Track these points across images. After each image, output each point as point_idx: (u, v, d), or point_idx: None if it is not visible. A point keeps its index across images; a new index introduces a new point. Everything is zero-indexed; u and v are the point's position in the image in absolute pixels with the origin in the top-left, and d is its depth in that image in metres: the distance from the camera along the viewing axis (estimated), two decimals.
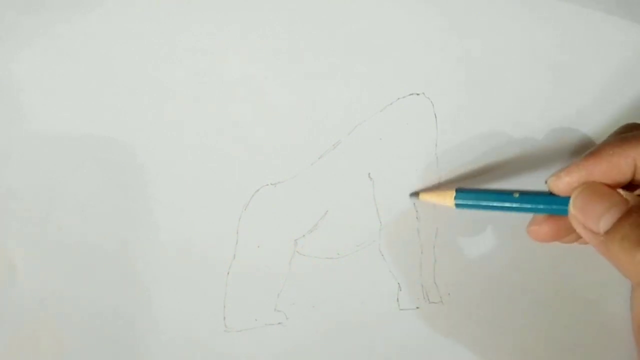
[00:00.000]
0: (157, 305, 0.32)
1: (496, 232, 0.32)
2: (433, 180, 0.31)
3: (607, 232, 0.25)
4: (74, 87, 0.30)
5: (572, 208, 0.26)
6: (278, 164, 0.31)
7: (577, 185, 0.26)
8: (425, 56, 0.30)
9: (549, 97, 0.30)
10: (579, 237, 0.29)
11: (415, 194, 0.31)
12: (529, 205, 0.28)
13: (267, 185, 0.31)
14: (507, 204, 0.28)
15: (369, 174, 0.31)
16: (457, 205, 0.29)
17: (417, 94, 0.30)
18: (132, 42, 0.30)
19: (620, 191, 0.25)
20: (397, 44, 0.30)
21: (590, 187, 0.26)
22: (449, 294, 0.33)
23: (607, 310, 0.33)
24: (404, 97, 0.30)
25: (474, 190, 0.29)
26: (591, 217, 0.25)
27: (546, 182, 0.28)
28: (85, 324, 0.33)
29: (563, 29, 0.30)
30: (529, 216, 0.31)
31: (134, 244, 0.32)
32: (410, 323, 0.33)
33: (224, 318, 0.33)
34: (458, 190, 0.29)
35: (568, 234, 0.28)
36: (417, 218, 0.32)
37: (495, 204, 0.28)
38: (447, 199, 0.29)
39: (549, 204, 0.27)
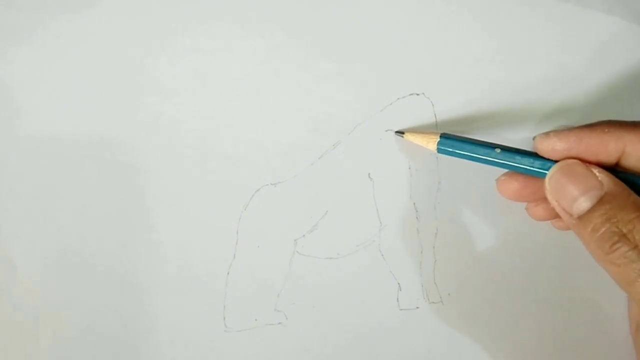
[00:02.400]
0: (157, 305, 0.32)
1: (496, 232, 0.32)
2: (433, 179, 0.31)
3: (580, 218, 0.25)
4: (74, 87, 0.30)
5: (549, 182, 0.26)
6: (278, 164, 0.31)
7: (561, 149, 0.26)
8: (425, 56, 0.30)
9: (549, 97, 0.30)
10: (544, 211, 0.29)
11: (401, 133, 0.30)
12: (509, 161, 0.27)
13: (267, 185, 0.31)
14: (488, 157, 0.28)
15: (369, 174, 0.31)
16: (440, 150, 0.29)
17: (417, 94, 0.30)
18: (131, 41, 0.30)
19: (597, 172, 0.25)
20: (397, 44, 0.30)
21: (567, 166, 0.26)
22: (449, 294, 0.33)
23: (607, 310, 0.33)
24: (404, 97, 0.30)
25: (459, 137, 0.29)
26: (566, 198, 0.25)
27: (534, 138, 0.27)
28: (85, 323, 0.33)
29: (563, 29, 0.30)
30: (529, 219, 0.31)
31: (133, 243, 0.32)
32: (410, 323, 0.33)
33: (224, 318, 0.33)
34: (443, 135, 0.29)
35: (534, 198, 0.28)
36: (417, 218, 0.32)
37: (476, 154, 0.28)
38: (431, 143, 0.29)
39: (529, 163, 0.27)
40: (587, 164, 0.26)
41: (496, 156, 0.28)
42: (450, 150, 0.29)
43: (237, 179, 0.31)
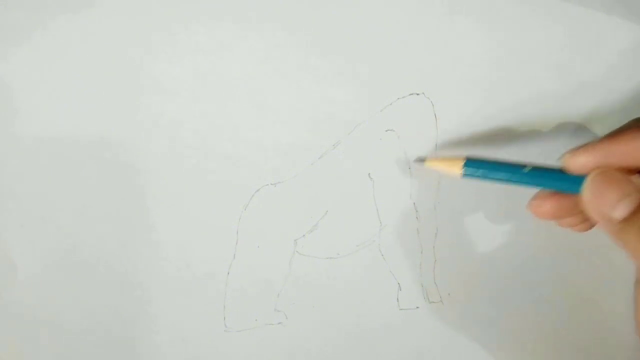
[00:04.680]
0: (157, 305, 0.32)
1: (496, 232, 0.32)
2: (433, 179, 0.31)
3: (624, 221, 0.25)
4: (74, 87, 0.30)
5: (586, 192, 0.26)
6: (278, 164, 0.31)
7: (592, 165, 0.26)
8: (425, 56, 0.30)
9: (550, 97, 0.30)
10: (577, 222, 0.29)
11: (421, 160, 0.30)
12: (538, 181, 0.27)
13: (267, 185, 0.31)
14: (516, 178, 0.27)
15: (369, 174, 0.31)
16: (465, 175, 0.28)
17: (417, 94, 0.30)
18: (131, 41, 0.30)
19: (634, 179, 0.25)
20: (397, 44, 0.30)
21: (606, 173, 0.26)
22: (449, 294, 0.33)
23: (607, 310, 0.33)
24: (404, 97, 0.30)
25: (484, 160, 0.28)
26: (606, 203, 0.25)
27: (561, 159, 0.27)
28: (85, 323, 0.33)
29: (563, 29, 0.30)
30: (529, 219, 0.31)
31: (133, 243, 0.32)
32: (410, 323, 0.33)
33: (224, 318, 0.33)
34: (468, 159, 0.28)
35: (569, 214, 0.28)
36: (417, 218, 0.32)
37: (504, 176, 0.27)
38: (455, 168, 0.28)
39: (560, 181, 0.27)
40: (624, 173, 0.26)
41: (524, 175, 0.27)
42: (476, 174, 0.28)
43: (237, 179, 0.31)
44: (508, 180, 0.28)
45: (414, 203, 0.32)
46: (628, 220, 0.25)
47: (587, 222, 0.29)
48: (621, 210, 0.25)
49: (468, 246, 0.32)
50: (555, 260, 0.32)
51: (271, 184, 0.31)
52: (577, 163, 0.26)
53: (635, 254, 0.25)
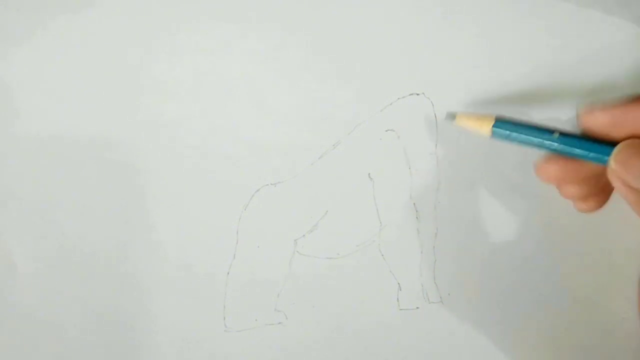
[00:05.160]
0: (157, 305, 0.32)
1: (496, 232, 0.32)
2: (433, 179, 0.31)
3: None
4: (74, 87, 0.30)
5: (612, 161, 0.26)
6: (278, 164, 0.31)
7: (607, 123, 0.26)
8: (425, 56, 0.30)
9: (549, 97, 0.30)
10: (580, 194, 0.28)
11: (452, 116, 0.29)
12: (565, 147, 0.27)
13: (267, 185, 0.31)
14: (544, 142, 0.27)
15: (369, 174, 0.31)
16: (494, 134, 0.28)
17: (417, 94, 0.30)
18: (131, 41, 0.30)
19: None
20: (397, 44, 0.30)
21: (636, 143, 0.25)
22: (449, 294, 0.33)
23: (607, 310, 0.33)
24: (404, 97, 0.30)
25: (514, 121, 0.28)
26: (633, 172, 0.25)
27: (577, 112, 0.27)
28: (84, 323, 0.33)
29: (563, 29, 0.30)
30: (530, 219, 0.31)
31: (133, 243, 0.32)
32: (410, 323, 0.33)
33: (224, 318, 0.33)
34: (498, 119, 0.28)
35: (575, 181, 0.28)
36: (417, 218, 0.32)
37: (532, 139, 0.27)
38: (485, 126, 0.28)
39: (588, 150, 0.26)
40: None
41: (553, 141, 0.27)
42: (505, 134, 0.27)
43: (237, 179, 0.31)
44: (535, 144, 0.27)
45: (414, 203, 0.32)
46: None
47: (589, 200, 0.29)
48: None
49: (468, 246, 0.32)
50: (556, 260, 0.32)
51: (271, 184, 0.31)
52: (592, 120, 0.26)
53: None
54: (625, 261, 0.32)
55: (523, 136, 0.27)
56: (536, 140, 0.27)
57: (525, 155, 0.31)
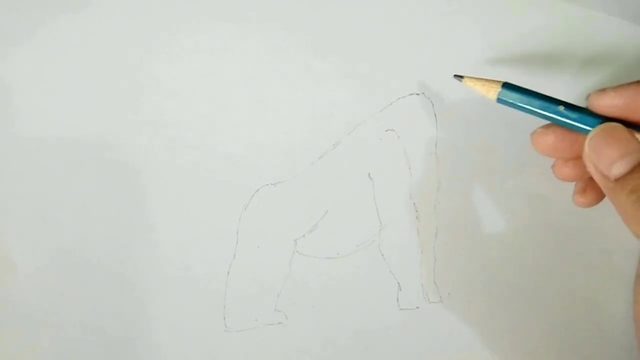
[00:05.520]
0: (157, 305, 0.32)
1: (496, 233, 0.32)
2: (433, 179, 0.31)
3: (618, 180, 0.24)
4: (74, 87, 0.30)
5: (586, 147, 0.25)
6: (278, 164, 0.31)
7: (620, 105, 0.25)
8: (425, 56, 0.30)
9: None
10: (575, 172, 0.28)
11: (460, 77, 0.28)
12: (570, 118, 0.26)
13: (267, 185, 0.31)
14: (549, 112, 0.26)
15: (369, 174, 0.31)
16: (500, 99, 0.27)
17: (417, 94, 0.30)
18: (131, 41, 0.30)
19: (638, 136, 0.24)
20: (397, 44, 0.30)
21: (610, 128, 0.25)
22: (449, 294, 0.33)
23: (607, 310, 0.33)
24: (404, 97, 0.30)
25: (522, 88, 0.27)
26: (604, 160, 0.24)
27: (587, 97, 0.26)
28: (85, 323, 0.33)
29: (564, 30, 0.30)
30: (529, 219, 0.31)
31: (133, 243, 0.32)
32: (410, 323, 0.33)
33: (224, 318, 0.33)
34: (505, 85, 0.27)
35: (570, 154, 0.27)
36: (417, 218, 0.32)
37: (537, 107, 0.27)
38: (492, 91, 0.27)
39: (592, 125, 0.26)
40: (631, 130, 0.25)
41: (557, 112, 0.26)
42: (511, 101, 0.27)
43: (237, 179, 0.31)
44: (540, 113, 0.27)
45: (414, 203, 0.32)
46: (622, 179, 0.24)
47: (587, 193, 0.28)
48: (617, 169, 0.24)
49: (468, 246, 0.32)
50: (555, 260, 0.32)
51: (271, 184, 0.31)
52: (604, 102, 0.25)
53: (624, 216, 0.24)
54: (625, 261, 0.32)
55: (528, 105, 0.27)
56: (541, 109, 0.27)
57: (525, 155, 0.31)
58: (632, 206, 0.23)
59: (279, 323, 0.33)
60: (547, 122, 0.27)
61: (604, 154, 0.24)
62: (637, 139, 0.24)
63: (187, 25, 0.30)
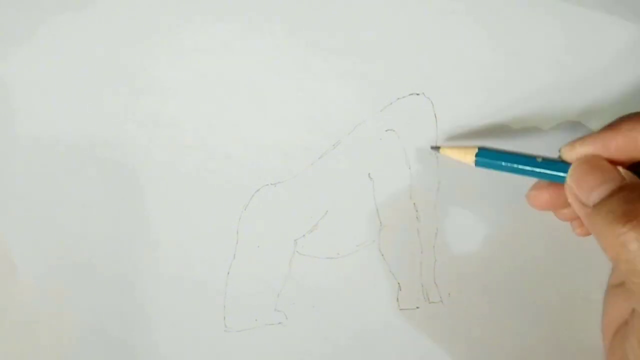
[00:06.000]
0: (157, 305, 0.32)
1: (496, 232, 0.32)
2: (433, 179, 0.31)
3: (595, 205, 0.24)
4: (73, 87, 0.30)
5: (568, 178, 0.26)
6: (278, 164, 0.31)
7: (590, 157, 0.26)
8: (425, 56, 0.30)
9: (550, 96, 0.30)
10: (575, 215, 0.28)
11: (437, 148, 0.30)
12: (549, 172, 0.27)
13: (267, 185, 0.31)
14: (527, 168, 0.27)
15: (369, 174, 0.31)
16: (477, 163, 0.28)
17: (417, 94, 0.30)
18: (131, 41, 0.30)
19: (620, 169, 0.25)
20: (397, 44, 0.30)
21: (591, 160, 0.26)
22: (449, 294, 0.33)
23: None
24: (404, 97, 0.30)
25: (497, 150, 0.28)
26: (584, 188, 0.25)
27: (559, 151, 0.27)
28: (84, 323, 0.33)
29: (564, 29, 0.30)
30: (529, 219, 0.31)
31: (133, 243, 0.32)
32: (410, 323, 0.33)
33: (224, 318, 0.33)
34: (481, 148, 0.28)
35: (566, 204, 0.28)
36: (417, 218, 0.32)
37: (515, 166, 0.28)
38: (468, 156, 0.29)
39: (567, 172, 0.27)
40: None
41: (537, 166, 0.27)
42: (489, 162, 0.28)
43: (237, 179, 0.31)
44: (519, 171, 0.28)
45: (414, 203, 0.32)
46: (598, 204, 0.24)
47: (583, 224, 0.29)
48: (596, 196, 0.24)
49: (468, 246, 0.32)
50: (556, 260, 0.32)
51: (271, 184, 0.31)
52: (574, 155, 0.26)
53: (601, 239, 0.24)
54: None
55: (506, 164, 0.28)
56: (519, 167, 0.28)
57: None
58: (607, 226, 0.23)
59: (279, 323, 0.33)
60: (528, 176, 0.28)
61: (584, 182, 0.25)
62: (615, 168, 0.25)
63: (187, 25, 0.30)
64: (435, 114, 0.31)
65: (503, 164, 0.28)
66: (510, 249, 0.32)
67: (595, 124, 0.31)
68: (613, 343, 0.28)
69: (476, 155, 0.28)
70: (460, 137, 0.31)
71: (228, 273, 0.32)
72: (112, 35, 0.30)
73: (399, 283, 0.32)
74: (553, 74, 0.30)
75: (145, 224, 0.32)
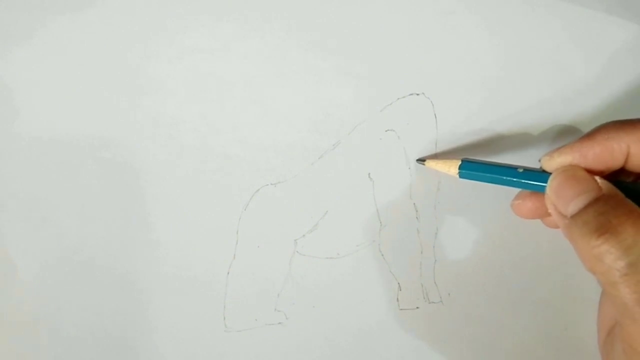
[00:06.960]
0: (157, 305, 0.32)
1: (496, 232, 0.32)
2: (433, 179, 0.31)
3: (573, 216, 0.24)
4: (73, 87, 0.30)
5: (547, 189, 0.26)
6: (278, 164, 0.31)
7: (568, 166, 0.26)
8: (425, 56, 0.30)
9: (549, 96, 0.30)
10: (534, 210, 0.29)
11: (422, 160, 0.30)
12: (531, 182, 0.27)
13: (267, 185, 0.31)
14: (510, 179, 0.28)
15: (369, 174, 0.31)
16: (461, 175, 0.29)
17: (417, 94, 0.30)
18: (131, 41, 0.30)
19: (598, 179, 0.25)
20: (397, 44, 0.30)
21: (569, 170, 0.26)
22: (449, 294, 0.33)
23: None
24: (404, 97, 0.30)
25: (480, 162, 0.29)
26: (562, 199, 0.25)
27: (539, 161, 0.27)
28: (84, 324, 0.33)
29: (563, 29, 0.30)
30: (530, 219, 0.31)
31: (133, 243, 0.32)
32: (410, 323, 0.33)
33: (224, 318, 0.33)
34: (464, 160, 0.29)
35: (550, 214, 0.28)
36: (417, 218, 0.32)
37: (498, 177, 0.28)
38: (452, 168, 0.29)
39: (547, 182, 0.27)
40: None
41: (518, 176, 0.28)
42: (472, 174, 0.29)
43: (237, 179, 0.31)
44: (502, 181, 0.28)
45: (414, 203, 0.32)
46: (575, 215, 0.24)
47: None
48: (573, 206, 0.25)
49: (468, 246, 0.32)
50: (555, 260, 0.32)
51: (271, 184, 0.31)
52: (554, 165, 0.27)
53: (578, 250, 0.24)
54: None
55: (489, 175, 0.28)
56: (501, 177, 0.28)
57: (525, 156, 0.31)
58: (583, 238, 0.24)
59: (279, 323, 0.33)
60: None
61: (563, 193, 0.25)
62: (594, 179, 0.25)
63: (187, 25, 0.30)
64: (435, 114, 0.31)
65: (486, 175, 0.29)
66: (510, 249, 0.32)
67: (595, 124, 0.31)
68: (606, 342, 0.28)
69: (459, 168, 0.29)
70: (460, 137, 0.31)
71: (228, 273, 0.32)
72: (112, 35, 0.30)
73: (399, 283, 0.32)
74: (553, 74, 0.30)
75: (145, 223, 0.32)
